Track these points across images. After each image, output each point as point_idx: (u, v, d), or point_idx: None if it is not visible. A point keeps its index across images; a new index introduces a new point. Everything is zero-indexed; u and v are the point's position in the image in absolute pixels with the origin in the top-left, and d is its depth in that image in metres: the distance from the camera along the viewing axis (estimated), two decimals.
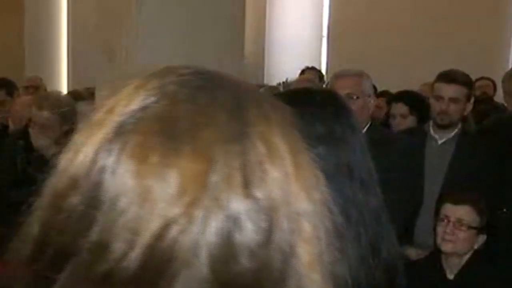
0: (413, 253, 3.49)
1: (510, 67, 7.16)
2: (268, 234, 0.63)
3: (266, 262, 0.62)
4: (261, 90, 4.89)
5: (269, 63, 8.46)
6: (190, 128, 0.65)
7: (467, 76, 3.75)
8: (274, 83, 6.09)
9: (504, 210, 3.42)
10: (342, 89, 3.32)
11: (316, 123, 1.41)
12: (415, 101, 4.55)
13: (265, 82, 7.26)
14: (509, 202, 3.49)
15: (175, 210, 0.61)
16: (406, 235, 3.54)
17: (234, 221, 0.62)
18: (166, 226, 0.61)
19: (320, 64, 8.10)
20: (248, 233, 0.62)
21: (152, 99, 0.68)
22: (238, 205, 0.62)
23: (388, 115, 5.27)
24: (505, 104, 4.62)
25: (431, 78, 3.86)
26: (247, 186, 0.63)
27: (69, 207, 0.64)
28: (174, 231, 0.60)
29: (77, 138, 0.70)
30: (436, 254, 3.10)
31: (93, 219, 0.63)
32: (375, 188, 1.47)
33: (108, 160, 0.65)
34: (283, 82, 4.94)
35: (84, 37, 5.24)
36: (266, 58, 8.52)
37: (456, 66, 3.94)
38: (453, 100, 3.62)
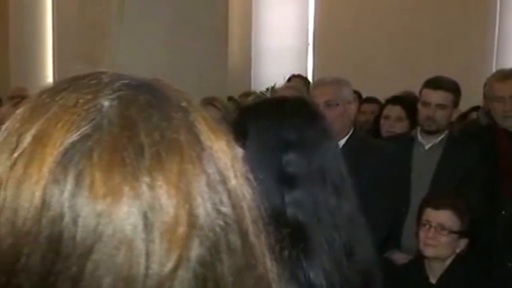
0: (400, 257, 3.50)
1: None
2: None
3: None
4: (250, 97, 4.90)
5: (256, 71, 8.49)
6: (153, 157, 0.57)
7: (454, 82, 3.76)
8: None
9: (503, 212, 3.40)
10: (321, 97, 3.34)
11: (287, 131, 1.47)
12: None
13: (253, 89, 7.26)
14: (500, 205, 3.51)
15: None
16: (394, 240, 3.55)
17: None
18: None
19: (306, 71, 8.11)
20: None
21: (94, 123, 0.58)
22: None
23: (378, 119, 5.19)
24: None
25: (419, 85, 3.84)
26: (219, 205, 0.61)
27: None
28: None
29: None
30: (419, 258, 3.11)
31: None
32: (348, 192, 1.49)
33: (63, 204, 0.55)
34: (271, 88, 4.94)
35: (68, 48, 5.24)
36: (253, 65, 8.55)
37: (445, 72, 3.95)
38: (439, 106, 3.64)
